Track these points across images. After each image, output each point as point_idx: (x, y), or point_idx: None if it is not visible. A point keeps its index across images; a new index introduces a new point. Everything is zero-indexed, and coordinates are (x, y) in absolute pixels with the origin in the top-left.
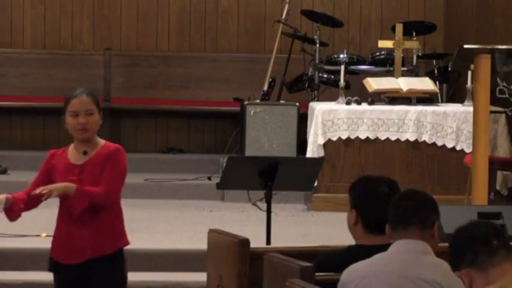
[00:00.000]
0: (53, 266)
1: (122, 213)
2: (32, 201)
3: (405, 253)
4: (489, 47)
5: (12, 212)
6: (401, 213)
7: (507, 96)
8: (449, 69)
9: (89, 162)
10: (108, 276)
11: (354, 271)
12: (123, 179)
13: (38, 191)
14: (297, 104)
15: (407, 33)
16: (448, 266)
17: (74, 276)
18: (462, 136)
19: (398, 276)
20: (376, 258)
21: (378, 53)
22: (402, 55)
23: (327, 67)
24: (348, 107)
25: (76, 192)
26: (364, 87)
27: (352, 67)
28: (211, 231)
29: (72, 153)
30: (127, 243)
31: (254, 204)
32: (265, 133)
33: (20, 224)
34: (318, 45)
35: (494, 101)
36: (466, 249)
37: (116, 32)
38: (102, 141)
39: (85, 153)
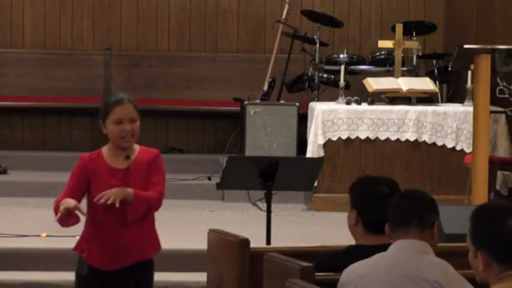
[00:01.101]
0: (87, 272)
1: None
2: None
3: (405, 253)
4: (489, 47)
5: (72, 217)
6: (401, 213)
7: (507, 96)
8: (449, 69)
9: (132, 166)
10: (146, 280)
11: (354, 271)
12: (165, 183)
13: (102, 199)
14: (297, 104)
15: (407, 33)
16: (449, 266)
17: (111, 281)
18: (462, 136)
19: (399, 276)
20: (376, 258)
21: (378, 53)
22: (402, 55)
23: (327, 67)
24: (348, 107)
25: (134, 197)
26: (364, 87)
27: (352, 67)
28: (211, 231)
29: (110, 158)
30: (160, 248)
31: (254, 204)
32: (265, 133)
33: (20, 224)
34: (318, 45)
35: (494, 101)
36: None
37: (116, 32)
38: (136, 145)
39: (128, 157)
